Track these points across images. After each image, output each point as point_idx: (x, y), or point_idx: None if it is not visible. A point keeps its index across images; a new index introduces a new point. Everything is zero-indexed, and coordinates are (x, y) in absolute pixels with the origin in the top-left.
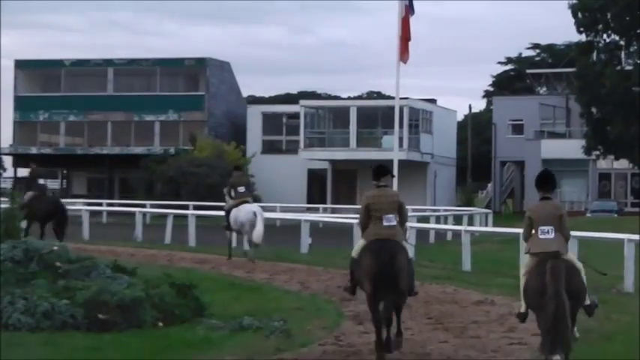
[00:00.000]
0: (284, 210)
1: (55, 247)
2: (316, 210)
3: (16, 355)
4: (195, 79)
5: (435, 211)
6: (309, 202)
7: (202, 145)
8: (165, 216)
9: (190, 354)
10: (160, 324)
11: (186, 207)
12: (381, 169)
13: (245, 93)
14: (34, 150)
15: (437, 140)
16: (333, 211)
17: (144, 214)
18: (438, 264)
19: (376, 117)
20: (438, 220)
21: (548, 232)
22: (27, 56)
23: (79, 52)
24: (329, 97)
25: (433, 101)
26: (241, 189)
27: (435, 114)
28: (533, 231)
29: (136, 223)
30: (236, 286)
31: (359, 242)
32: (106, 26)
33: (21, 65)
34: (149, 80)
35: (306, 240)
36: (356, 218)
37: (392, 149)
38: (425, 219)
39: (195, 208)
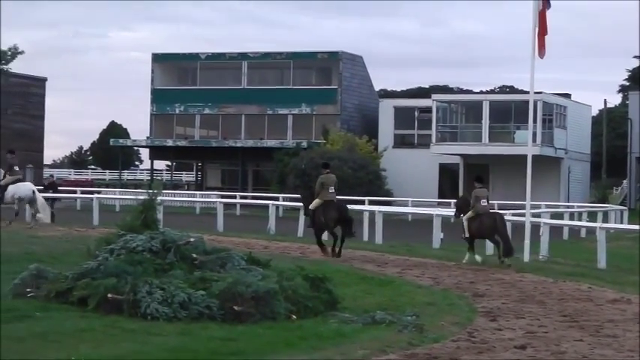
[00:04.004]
0: (415, 205)
1: (192, 239)
2: (448, 205)
3: (154, 344)
4: (327, 72)
5: (568, 207)
6: (440, 197)
7: (334, 139)
8: (297, 209)
9: (323, 347)
10: (294, 316)
11: None
12: (327, 165)
13: (377, 87)
14: (169, 142)
15: (571, 135)
16: None
17: (277, 207)
18: (572, 261)
19: (509, 111)
20: (571, 216)
21: (485, 202)
22: (164, 50)
23: (215, 46)
24: (461, 91)
25: (567, 95)
26: (16, 169)
27: (569, 109)
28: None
29: (269, 216)
30: (368, 280)
31: (315, 201)
32: (242, 19)
33: (158, 59)
34: (283, 74)
35: (437, 235)
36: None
37: (525, 144)
38: (559, 215)
39: None
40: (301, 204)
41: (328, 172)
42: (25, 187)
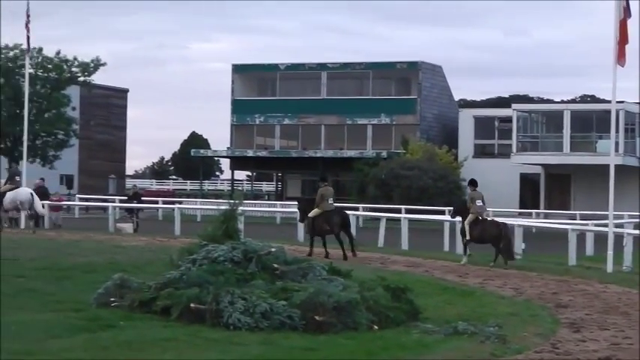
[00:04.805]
0: (496, 215)
1: (273, 249)
2: (529, 215)
3: (236, 353)
4: (407, 82)
5: None
6: (521, 207)
7: (414, 149)
8: (377, 219)
9: (405, 357)
10: (375, 327)
11: (398, 210)
12: (325, 179)
13: (456, 96)
14: (250, 153)
15: None
16: (546, 216)
17: (357, 217)
18: None
19: (591, 121)
20: None
21: (481, 202)
22: (244, 60)
23: (294, 56)
24: (541, 100)
25: None
26: (17, 178)
27: None
28: (473, 203)
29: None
30: (449, 290)
31: (314, 210)
32: (320, 30)
33: (238, 69)
34: (362, 84)
35: (519, 245)
36: (571, 224)
37: (607, 154)
38: None
39: (407, 211)
40: (298, 211)
41: (326, 184)
42: (24, 191)
